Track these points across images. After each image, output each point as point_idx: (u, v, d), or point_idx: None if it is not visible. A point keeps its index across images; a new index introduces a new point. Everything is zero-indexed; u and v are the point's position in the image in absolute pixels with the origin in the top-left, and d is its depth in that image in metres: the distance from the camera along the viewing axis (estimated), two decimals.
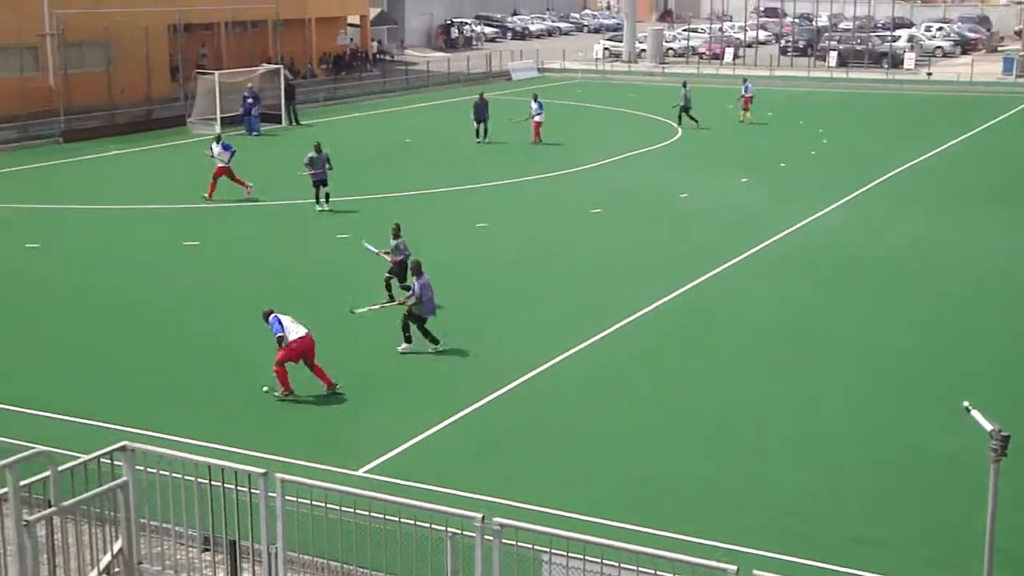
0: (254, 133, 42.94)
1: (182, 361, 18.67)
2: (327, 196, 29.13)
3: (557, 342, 19.42)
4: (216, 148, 31.06)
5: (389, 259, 20.93)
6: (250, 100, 43.61)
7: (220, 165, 30.98)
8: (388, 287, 20.90)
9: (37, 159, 36.56)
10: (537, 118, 40.68)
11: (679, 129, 43.94)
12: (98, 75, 45.52)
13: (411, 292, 18.76)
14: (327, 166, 28.95)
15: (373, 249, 21.28)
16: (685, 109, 44.58)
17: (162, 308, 21.45)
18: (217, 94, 43.19)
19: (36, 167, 35.18)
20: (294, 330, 16.83)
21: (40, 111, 42.90)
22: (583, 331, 19.99)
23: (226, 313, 20.93)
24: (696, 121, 44.22)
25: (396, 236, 20.94)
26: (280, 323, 16.79)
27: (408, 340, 18.86)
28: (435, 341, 18.84)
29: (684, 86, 45.86)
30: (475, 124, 40.98)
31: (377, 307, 19.82)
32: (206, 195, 30.75)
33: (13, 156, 36.04)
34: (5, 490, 10.06)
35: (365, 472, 14.53)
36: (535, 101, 41.12)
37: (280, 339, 16.70)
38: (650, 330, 20.49)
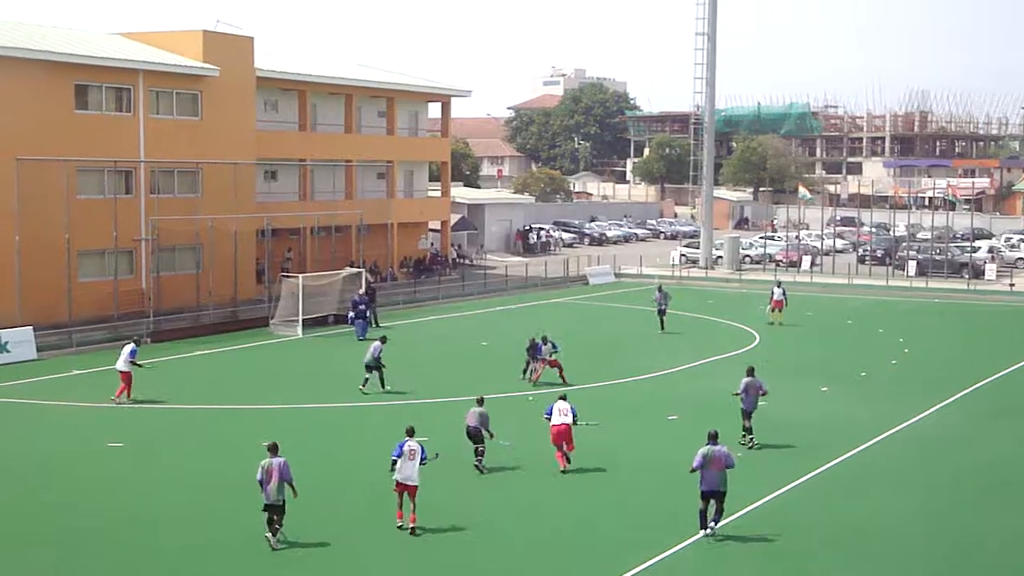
0: (360, 337, 42.47)
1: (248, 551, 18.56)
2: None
3: (631, 554, 18.99)
4: (125, 350, 31.05)
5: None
6: (362, 306, 43.81)
7: (127, 370, 30.79)
8: None
9: None
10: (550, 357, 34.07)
11: (756, 335, 43.83)
12: (188, 278, 47.08)
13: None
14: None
15: None
16: (661, 312, 45.14)
17: (239, 508, 21.45)
18: (300, 296, 44.26)
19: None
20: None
21: (131, 312, 44.25)
22: (659, 542, 19.57)
23: (305, 512, 20.85)
24: (663, 327, 45.00)
25: None
26: None
27: None
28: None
29: (659, 289, 46.49)
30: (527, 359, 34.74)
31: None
32: (114, 398, 30.82)
33: (101, 356, 36.92)
34: None
35: None
36: (546, 342, 34.15)
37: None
38: (727, 549, 19.99)
